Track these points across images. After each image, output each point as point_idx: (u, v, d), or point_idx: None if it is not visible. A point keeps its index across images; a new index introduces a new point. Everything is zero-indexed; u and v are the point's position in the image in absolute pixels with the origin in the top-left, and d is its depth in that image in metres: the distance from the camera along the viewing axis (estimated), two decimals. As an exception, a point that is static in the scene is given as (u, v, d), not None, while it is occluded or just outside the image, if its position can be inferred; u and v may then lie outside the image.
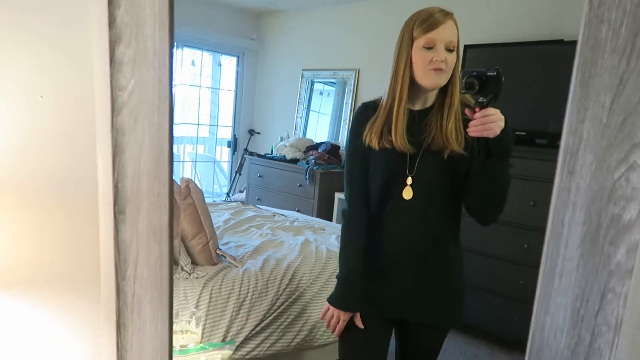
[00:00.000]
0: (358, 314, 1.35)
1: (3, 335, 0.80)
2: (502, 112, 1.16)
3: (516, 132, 2.67)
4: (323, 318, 1.39)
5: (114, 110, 0.71)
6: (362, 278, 1.33)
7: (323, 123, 4.51)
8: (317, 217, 3.50)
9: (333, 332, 1.38)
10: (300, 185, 3.88)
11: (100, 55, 0.71)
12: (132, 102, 0.71)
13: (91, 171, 0.73)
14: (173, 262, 0.72)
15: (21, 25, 0.75)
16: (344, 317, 1.34)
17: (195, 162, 5.16)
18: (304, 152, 4.07)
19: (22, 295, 0.79)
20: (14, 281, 0.78)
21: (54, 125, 0.76)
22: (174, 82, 0.74)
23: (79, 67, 0.75)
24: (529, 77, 2.80)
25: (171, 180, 0.73)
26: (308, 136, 4.50)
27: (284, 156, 4.11)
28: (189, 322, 1.15)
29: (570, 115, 0.55)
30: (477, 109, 1.13)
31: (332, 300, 1.36)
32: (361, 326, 1.35)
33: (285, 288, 1.99)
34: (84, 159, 0.75)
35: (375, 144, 1.28)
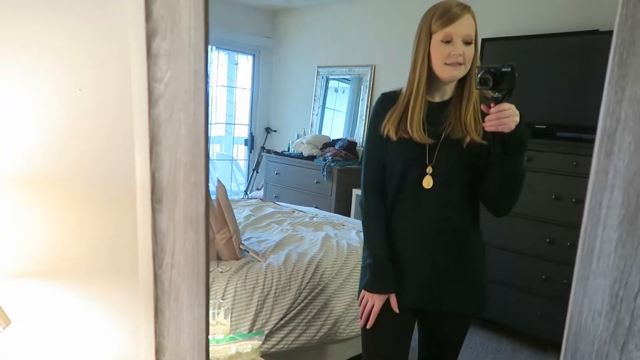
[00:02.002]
0: (394, 296, 1.36)
1: (46, 322, 0.83)
2: (521, 106, 1.17)
3: (536, 126, 2.65)
4: (362, 315, 1.39)
5: (151, 102, 0.73)
6: (391, 260, 1.35)
7: (338, 120, 4.52)
8: (335, 213, 3.51)
9: (366, 322, 1.38)
10: (317, 182, 3.89)
11: (137, 48, 0.72)
12: (168, 93, 0.73)
13: (129, 162, 0.75)
14: (209, 249, 0.74)
15: (59, 21, 0.77)
16: (379, 301, 1.35)
17: (213, 160, 5.20)
18: (321, 149, 4.08)
19: (64, 283, 0.81)
20: (58, 270, 0.80)
21: (92, 118, 0.78)
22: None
23: (115, 60, 0.77)
24: (549, 70, 2.77)
25: (207, 170, 0.74)
26: (324, 133, 4.51)
27: (301, 153, 4.13)
28: (218, 313, 1.17)
29: (608, 96, 0.55)
30: (492, 104, 1.14)
31: (366, 286, 1.37)
32: (397, 310, 1.35)
33: (308, 282, 2.01)
34: (122, 151, 0.77)
35: (393, 135, 1.30)
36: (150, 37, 0.72)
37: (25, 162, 0.80)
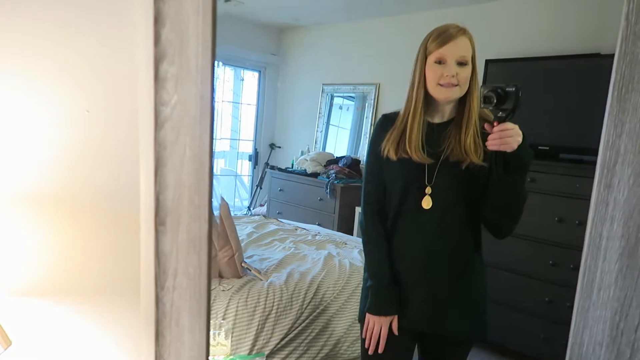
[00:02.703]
0: (396, 318, 1.35)
1: (47, 341, 0.83)
2: (524, 126, 1.17)
3: (539, 147, 2.65)
4: (367, 338, 1.37)
5: (157, 125, 0.74)
6: (392, 281, 1.34)
7: (343, 137, 4.54)
8: (337, 231, 3.51)
9: (374, 347, 1.35)
10: (320, 199, 3.89)
11: (144, 72, 0.74)
12: (174, 116, 0.74)
13: (134, 184, 0.76)
14: (211, 272, 0.74)
15: (69, 44, 0.79)
16: (385, 323, 1.34)
17: (217, 175, 5.22)
18: (325, 166, 4.10)
19: (66, 303, 0.81)
20: (60, 290, 0.80)
21: (99, 140, 0.79)
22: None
23: (123, 83, 0.78)
24: (552, 92, 2.78)
25: (211, 193, 0.75)
26: (328, 150, 4.53)
27: (305, 170, 4.14)
28: (219, 333, 1.17)
29: (607, 129, 0.56)
30: (495, 123, 1.15)
31: (370, 309, 1.36)
32: (396, 332, 1.34)
33: (310, 302, 2.00)
34: (127, 172, 0.78)
35: (392, 155, 1.31)
36: (158, 61, 0.74)
37: (31, 181, 0.81)
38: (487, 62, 3.01)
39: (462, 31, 1.25)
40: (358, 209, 3.78)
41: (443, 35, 1.24)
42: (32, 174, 0.81)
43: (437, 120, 1.33)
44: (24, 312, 0.82)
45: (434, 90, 1.26)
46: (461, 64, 1.24)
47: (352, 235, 3.56)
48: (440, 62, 1.24)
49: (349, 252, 2.59)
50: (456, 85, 1.25)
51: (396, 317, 1.35)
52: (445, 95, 1.26)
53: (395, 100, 4.02)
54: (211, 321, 1.63)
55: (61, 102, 0.79)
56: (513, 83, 1.14)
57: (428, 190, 1.30)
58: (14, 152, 0.81)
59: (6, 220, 0.80)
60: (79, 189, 0.80)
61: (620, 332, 0.56)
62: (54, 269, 0.81)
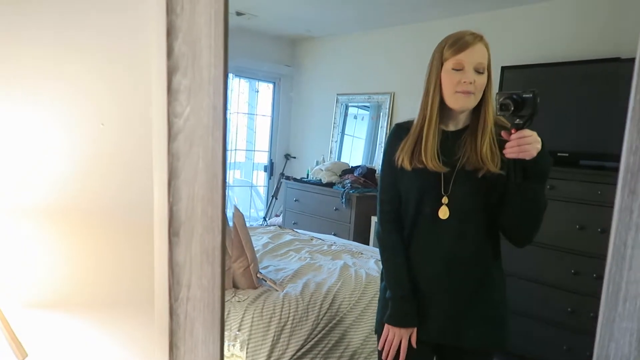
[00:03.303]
0: (415, 332, 1.33)
1: (62, 353, 0.83)
2: (543, 133, 1.15)
3: (558, 154, 2.61)
4: (382, 347, 1.36)
5: (170, 136, 0.74)
6: (411, 291, 1.32)
7: (358, 147, 4.53)
8: (353, 240, 3.48)
9: (392, 358, 1.33)
10: (336, 209, 3.88)
11: (158, 84, 0.74)
12: (187, 128, 0.74)
13: (147, 195, 0.76)
14: (225, 283, 0.73)
15: (82, 57, 0.80)
16: (405, 334, 1.32)
17: (233, 186, 5.24)
18: (340, 175, 4.08)
19: (81, 315, 0.81)
20: (75, 302, 0.81)
21: (113, 152, 0.79)
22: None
23: (137, 95, 0.79)
24: (570, 97, 2.74)
25: (224, 204, 0.74)
26: (343, 160, 4.52)
27: (320, 180, 4.13)
28: (234, 345, 1.16)
29: (630, 134, 0.54)
30: (512, 130, 1.13)
31: (390, 320, 1.34)
32: (414, 344, 1.32)
33: (326, 313, 1.98)
34: (140, 184, 0.78)
35: (407, 165, 1.29)
36: (171, 73, 0.74)
37: (46, 194, 0.81)
38: (503, 68, 2.98)
39: (479, 38, 1.23)
40: (374, 219, 3.76)
41: (460, 42, 1.22)
42: (47, 187, 0.82)
43: (451, 128, 1.31)
44: (38, 324, 0.82)
45: (450, 99, 1.24)
46: (478, 71, 1.23)
47: (368, 245, 3.54)
48: (457, 69, 1.22)
49: (365, 262, 2.57)
50: (472, 94, 1.23)
51: (415, 329, 1.33)
52: (462, 104, 1.24)
53: (410, 109, 3.99)
54: (227, 332, 1.63)
55: (76, 117, 0.80)
56: (530, 89, 1.12)
57: (445, 200, 1.28)
58: (29, 166, 0.82)
59: (21, 233, 0.81)
60: (93, 201, 0.80)
61: (648, 345, 0.54)
62: (68, 281, 0.82)
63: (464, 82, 1.21)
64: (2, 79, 0.79)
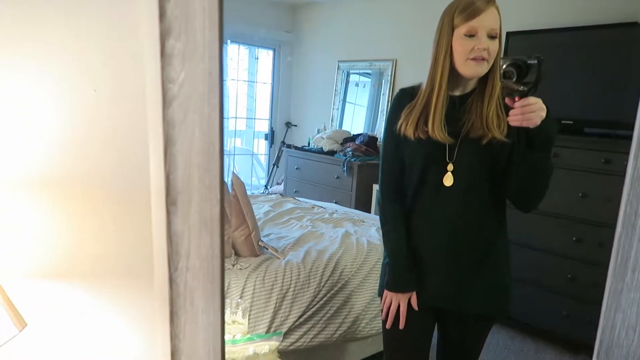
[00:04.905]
0: (414, 295, 1.35)
1: (62, 322, 0.83)
2: (546, 100, 1.12)
3: (563, 121, 2.57)
4: (386, 314, 1.38)
5: (165, 103, 0.72)
6: (410, 258, 1.34)
7: (359, 114, 4.48)
8: (355, 208, 3.49)
9: (391, 322, 1.37)
10: (337, 177, 3.86)
11: (150, 49, 0.71)
12: (182, 94, 0.71)
13: (143, 164, 0.74)
14: (224, 253, 0.72)
15: (72, 21, 0.76)
16: (403, 300, 1.34)
17: (233, 155, 5.22)
18: (341, 144, 4.05)
19: (80, 285, 0.81)
20: (73, 271, 0.80)
21: (107, 119, 0.77)
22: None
23: (129, 60, 0.76)
24: (576, 64, 2.68)
25: (222, 172, 0.73)
26: (344, 128, 4.48)
27: (321, 148, 4.11)
28: (236, 312, 1.17)
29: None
30: (516, 98, 1.09)
31: (388, 286, 1.36)
32: (416, 307, 1.34)
33: (328, 280, 1.99)
34: (136, 152, 0.76)
35: (410, 134, 1.27)
36: (164, 37, 0.71)
37: (42, 163, 0.80)
38: (509, 34, 2.91)
39: (491, 2, 1.19)
40: (375, 187, 3.75)
41: (472, 7, 1.17)
42: (41, 156, 0.80)
43: (457, 92, 1.28)
44: (38, 294, 0.81)
45: (462, 66, 1.21)
46: (491, 37, 1.19)
47: (369, 213, 3.54)
48: (470, 35, 1.18)
49: (367, 230, 2.57)
50: (485, 60, 1.19)
51: (414, 293, 1.34)
52: (475, 71, 1.21)
53: (412, 76, 3.93)
54: (228, 300, 1.64)
55: (66, 82, 0.78)
56: (535, 55, 1.08)
57: (450, 167, 1.26)
58: (23, 136, 0.80)
59: (18, 204, 0.80)
60: (89, 170, 0.78)
61: (655, 315, 0.53)
62: (66, 251, 0.81)
63: (478, 48, 1.18)
64: (-12, 43, 0.76)
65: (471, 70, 1.20)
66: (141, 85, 0.73)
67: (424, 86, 1.28)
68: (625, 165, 0.53)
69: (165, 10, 0.70)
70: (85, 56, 0.76)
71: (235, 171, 5.19)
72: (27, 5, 0.76)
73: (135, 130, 0.75)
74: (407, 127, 1.27)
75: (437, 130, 1.23)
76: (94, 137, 0.78)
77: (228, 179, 2.14)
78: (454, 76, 1.24)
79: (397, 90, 4.00)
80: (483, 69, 1.21)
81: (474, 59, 1.19)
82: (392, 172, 1.36)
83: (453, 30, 1.20)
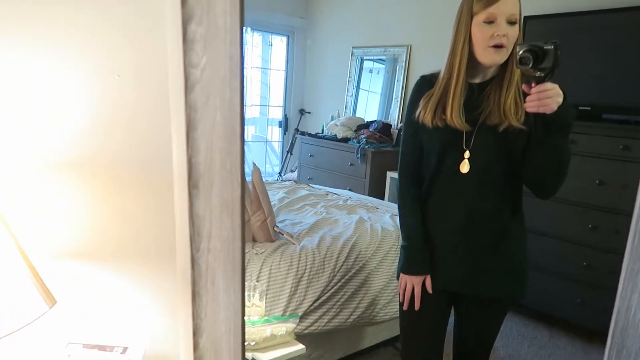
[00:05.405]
0: (429, 278, 1.36)
1: (89, 300, 0.86)
2: (563, 86, 1.11)
3: (580, 107, 2.53)
4: (402, 296, 1.40)
5: (187, 88, 0.73)
6: (425, 242, 1.36)
7: (373, 101, 4.46)
8: (368, 195, 3.50)
9: (407, 304, 1.39)
10: (351, 164, 3.87)
11: (173, 34, 0.72)
12: (204, 79, 0.73)
13: (166, 148, 0.76)
14: (245, 235, 0.74)
15: (97, 6, 0.78)
16: (417, 282, 1.36)
17: (248, 142, 5.25)
18: (355, 130, 4.05)
19: (106, 265, 0.84)
20: (100, 252, 0.83)
21: (131, 104, 0.79)
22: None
23: (153, 45, 0.77)
24: (595, 49, 2.63)
25: (242, 156, 0.74)
26: (358, 115, 4.47)
27: (335, 135, 4.11)
28: (253, 295, 1.19)
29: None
30: (533, 84, 1.09)
31: (403, 269, 1.39)
32: (430, 290, 1.37)
33: (342, 265, 2.01)
34: (159, 136, 0.78)
35: (428, 122, 1.27)
36: (186, 22, 0.72)
37: (69, 147, 0.82)
38: (526, 18, 2.86)
39: None
40: (389, 174, 3.75)
41: None
42: (69, 139, 0.82)
43: (477, 80, 1.28)
44: (66, 274, 0.84)
45: (481, 53, 1.20)
46: (511, 22, 1.18)
47: (383, 199, 3.55)
48: (490, 21, 1.18)
49: (381, 217, 2.58)
50: (505, 47, 1.19)
51: (429, 276, 1.36)
52: (493, 59, 1.20)
53: (427, 62, 3.89)
54: (245, 283, 1.67)
55: (92, 66, 0.79)
56: (552, 40, 1.07)
57: (466, 154, 1.26)
58: (51, 120, 0.82)
59: (47, 186, 0.82)
60: (114, 153, 0.81)
61: (672, 296, 0.54)
62: (92, 232, 0.83)
63: (497, 35, 1.17)
64: (18, 27, 0.78)
65: (490, 57, 1.20)
66: (164, 70, 0.75)
67: (442, 74, 1.28)
68: (636, 150, 0.53)
69: (187, -4, 0.71)
70: (109, 43, 0.78)
71: (250, 158, 5.22)
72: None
73: (159, 115, 0.77)
74: (425, 115, 1.28)
75: (455, 118, 1.24)
76: (119, 121, 0.80)
77: (248, 168, 2.17)
78: (473, 64, 1.24)
79: (411, 76, 3.93)
80: (502, 56, 1.20)
81: (493, 46, 1.18)
82: (411, 157, 1.37)
83: (472, 17, 1.20)
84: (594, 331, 2.56)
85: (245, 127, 5.20)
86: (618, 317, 0.57)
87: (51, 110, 0.81)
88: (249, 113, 5.11)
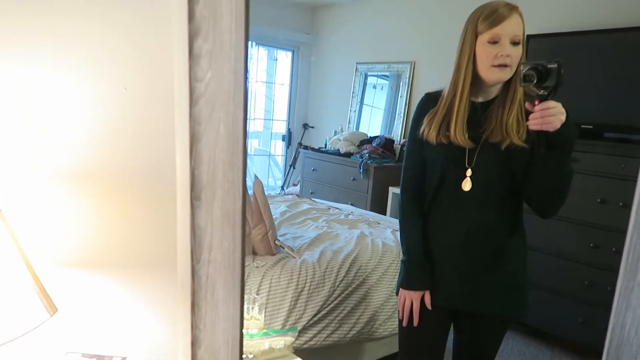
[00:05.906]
0: (428, 294, 1.36)
1: (90, 309, 0.87)
2: (566, 104, 1.12)
3: (582, 126, 2.55)
4: (402, 312, 1.40)
5: (192, 101, 0.75)
6: (426, 258, 1.36)
7: (376, 117, 4.49)
8: (370, 210, 3.50)
9: (406, 320, 1.39)
10: (354, 179, 3.88)
11: (179, 49, 0.74)
12: (208, 92, 0.74)
13: (170, 160, 0.77)
14: (245, 247, 0.75)
15: (106, 23, 0.80)
16: (416, 297, 1.36)
17: (251, 155, 5.27)
18: (358, 146, 4.07)
19: (107, 274, 0.84)
20: (101, 261, 0.83)
21: (137, 116, 0.81)
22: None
23: (159, 60, 0.79)
24: (597, 68, 2.66)
25: (244, 168, 0.75)
26: (361, 130, 4.49)
27: (338, 150, 4.13)
28: (252, 308, 1.19)
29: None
30: (536, 102, 1.10)
31: (402, 284, 1.39)
32: (429, 306, 1.36)
33: (342, 280, 2.01)
34: (163, 148, 0.79)
35: (432, 138, 1.29)
36: (192, 37, 0.74)
37: (75, 158, 0.83)
38: (528, 37, 2.89)
39: (515, 9, 1.21)
40: (391, 189, 3.76)
41: (496, 15, 1.19)
42: (75, 151, 0.84)
43: (480, 99, 1.30)
44: (68, 282, 0.85)
45: (485, 72, 1.22)
46: (515, 43, 1.20)
47: (385, 215, 3.55)
48: (494, 42, 1.20)
49: (382, 232, 2.58)
50: (509, 66, 1.21)
51: (428, 292, 1.36)
52: (498, 77, 1.22)
53: (430, 79, 3.93)
54: (245, 296, 1.67)
55: (99, 81, 0.81)
56: (555, 59, 1.09)
57: (469, 172, 1.28)
58: (57, 131, 0.84)
59: (52, 196, 0.84)
60: (119, 165, 0.82)
61: (666, 314, 0.54)
62: (96, 241, 0.84)
63: (501, 55, 1.19)
64: (28, 37, 0.80)
65: (494, 76, 1.22)
66: (169, 84, 0.76)
67: (446, 91, 1.30)
68: (638, 169, 0.54)
69: (195, 12, 0.73)
70: (116, 56, 0.80)
71: (253, 171, 5.23)
72: (63, 7, 0.80)
73: (163, 127, 0.79)
74: (429, 132, 1.30)
75: (458, 134, 1.25)
76: (124, 133, 0.81)
77: (249, 181, 2.18)
78: (477, 82, 1.26)
79: (415, 92, 3.97)
80: (506, 74, 1.22)
81: (497, 65, 1.20)
82: (414, 173, 1.39)
83: (476, 36, 1.22)
84: (595, 351, 2.54)
85: (249, 141, 5.22)
86: (612, 334, 0.57)
87: (57, 121, 0.83)
88: (253, 126, 5.14)
